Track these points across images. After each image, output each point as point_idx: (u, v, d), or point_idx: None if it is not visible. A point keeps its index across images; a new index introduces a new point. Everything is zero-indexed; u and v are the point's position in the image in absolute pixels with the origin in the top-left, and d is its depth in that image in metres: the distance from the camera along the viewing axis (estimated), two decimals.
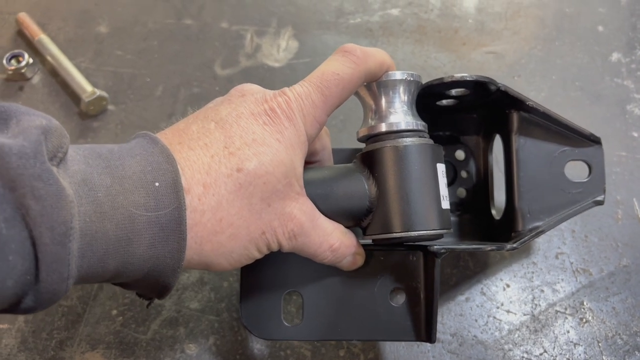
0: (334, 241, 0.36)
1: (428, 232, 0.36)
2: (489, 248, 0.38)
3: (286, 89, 0.34)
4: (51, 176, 0.25)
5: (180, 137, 0.32)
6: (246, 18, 0.63)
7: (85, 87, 0.56)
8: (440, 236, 0.37)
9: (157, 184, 0.29)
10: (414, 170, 0.36)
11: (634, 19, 0.61)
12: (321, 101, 0.34)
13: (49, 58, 0.59)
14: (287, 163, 0.33)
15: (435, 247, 0.37)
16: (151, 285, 0.31)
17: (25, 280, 0.25)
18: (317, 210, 0.36)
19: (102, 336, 0.45)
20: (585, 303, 0.46)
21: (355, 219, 0.37)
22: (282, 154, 0.32)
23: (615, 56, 0.58)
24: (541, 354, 0.44)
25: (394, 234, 0.36)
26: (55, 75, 0.59)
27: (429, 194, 0.36)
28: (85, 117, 0.56)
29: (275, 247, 0.34)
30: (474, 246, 0.39)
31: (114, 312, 0.46)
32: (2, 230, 0.23)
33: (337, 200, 0.37)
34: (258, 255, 0.34)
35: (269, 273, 0.40)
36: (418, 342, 0.44)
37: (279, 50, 0.60)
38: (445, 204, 0.37)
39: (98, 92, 0.55)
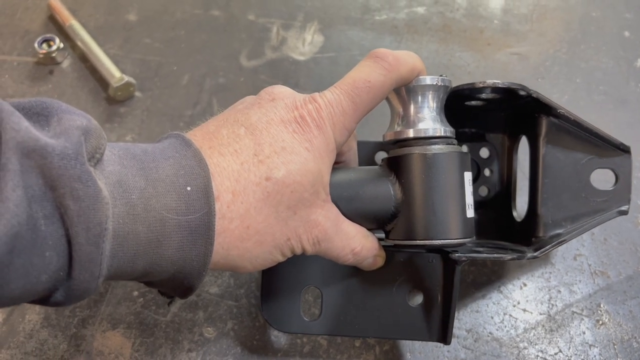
0: (355, 245, 0.36)
1: (450, 241, 0.36)
2: (509, 257, 0.38)
3: (317, 95, 0.34)
4: (90, 178, 0.25)
5: (210, 141, 0.32)
6: (273, 11, 0.63)
7: (114, 72, 0.57)
8: (462, 244, 0.38)
9: (189, 188, 0.29)
10: (441, 178, 0.35)
11: None
12: (351, 109, 0.34)
13: (79, 43, 0.60)
14: (314, 172, 0.33)
15: (457, 255, 0.37)
16: (176, 285, 0.32)
17: (58, 276, 0.26)
18: (341, 215, 0.36)
19: (123, 316, 0.46)
20: (602, 305, 0.46)
21: (379, 223, 0.38)
22: (310, 163, 0.32)
23: None
24: (556, 354, 0.44)
25: (417, 241, 0.36)
26: (84, 60, 0.60)
27: (455, 203, 0.36)
28: (112, 102, 0.57)
29: (299, 252, 0.35)
30: (495, 255, 0.38)
31: (135, 293, 0.47)
32: (42, 226, 0.24)
33: (362, 203, 0.36)
34: (282, 259, 0.35)
35: (290, 270, 0.41)
36: None
37: (304, 43, 0.61)
38: (470, 213, 0.37)
39: (126, 78, 0.56)
